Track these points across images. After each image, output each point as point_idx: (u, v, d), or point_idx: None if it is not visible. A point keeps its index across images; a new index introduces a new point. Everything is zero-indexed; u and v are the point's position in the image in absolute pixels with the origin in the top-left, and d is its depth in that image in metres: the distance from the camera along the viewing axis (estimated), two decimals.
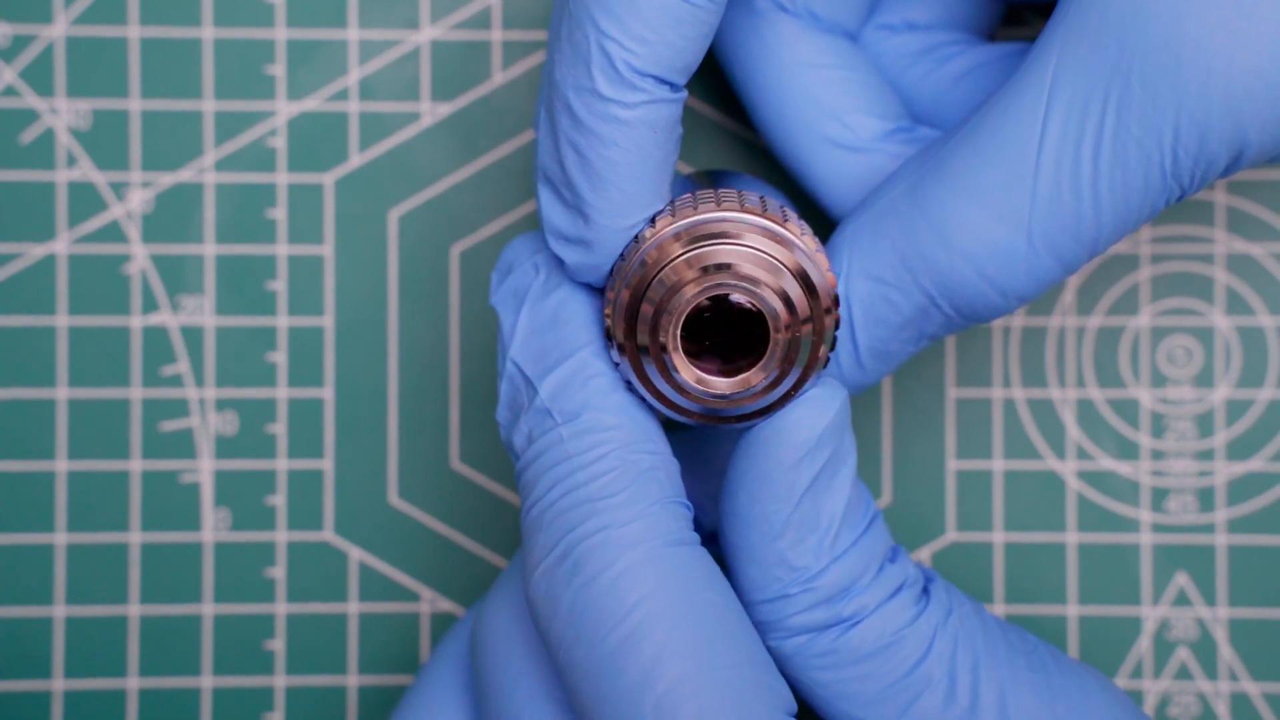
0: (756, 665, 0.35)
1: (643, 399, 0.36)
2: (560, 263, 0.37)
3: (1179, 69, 0.35)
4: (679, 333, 0.36)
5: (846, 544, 0.37)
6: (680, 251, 0.36)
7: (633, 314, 0.36)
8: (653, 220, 0.36)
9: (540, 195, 0.37)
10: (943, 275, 0.36)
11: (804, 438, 0.36)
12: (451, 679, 0.40)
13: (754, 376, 0.36)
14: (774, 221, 0.36)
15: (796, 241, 0.36)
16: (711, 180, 0.39)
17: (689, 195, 0.37)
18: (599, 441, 0.35)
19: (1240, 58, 0.34)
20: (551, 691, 0.37)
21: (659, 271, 0.36)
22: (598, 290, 0.37)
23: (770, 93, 0.40)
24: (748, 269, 0.36)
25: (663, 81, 0.35)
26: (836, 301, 0.36)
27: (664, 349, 0.36)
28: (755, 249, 0.36)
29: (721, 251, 0.36)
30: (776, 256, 0.36)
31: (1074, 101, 0.35)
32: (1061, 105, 0.35)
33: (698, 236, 0.36)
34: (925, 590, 0.38)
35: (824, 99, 0.40)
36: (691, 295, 0.35)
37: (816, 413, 0.36)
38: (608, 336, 0.36)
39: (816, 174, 0.40)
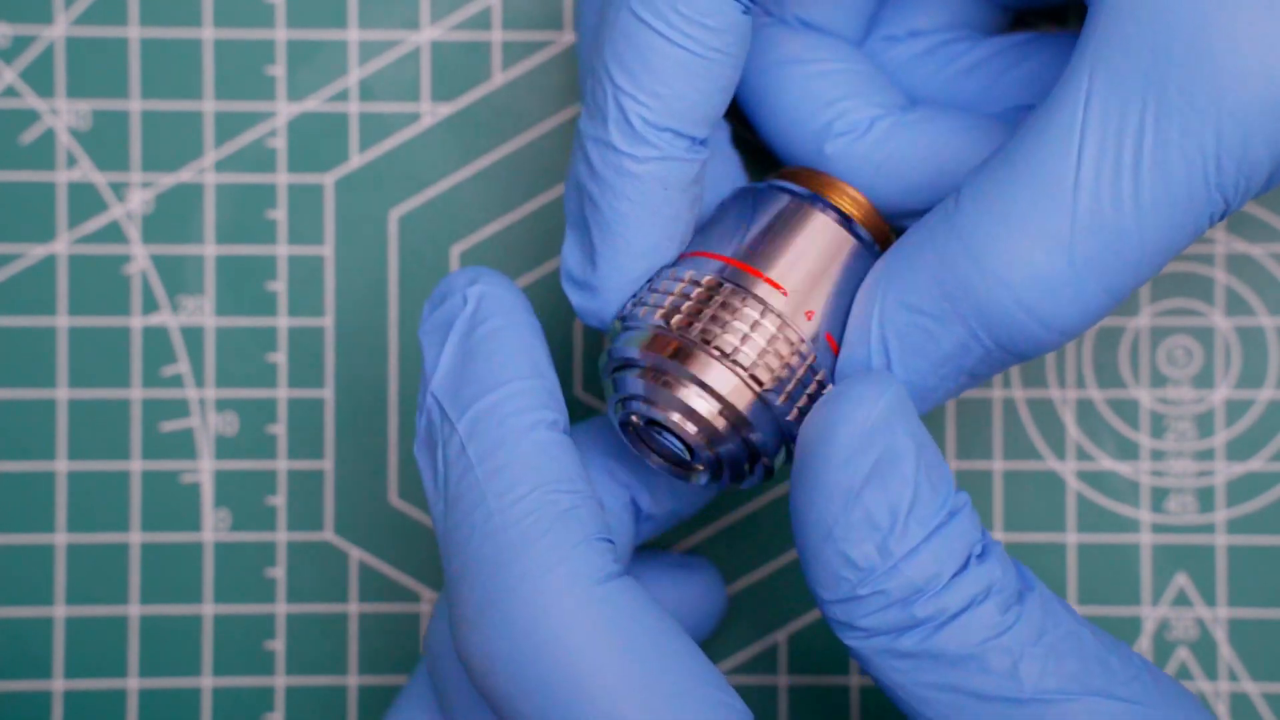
0: (707, 685, 0.34)
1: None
2: (498, 296, 0.37)
3: (1216, 72, 0.33)
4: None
5: (916, 541, 0.34)
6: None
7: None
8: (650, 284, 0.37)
9: (567, 237, 0.37)
10: (982, 305, 0.35)
11: (848, 436, 0.34)
12: (430, 693, 0.40)
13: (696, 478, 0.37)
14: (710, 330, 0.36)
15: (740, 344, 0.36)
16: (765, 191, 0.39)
17: (671, 273, 0.37)
18: (515, 482, 0.35)
19: (1276, 54, 0.33)
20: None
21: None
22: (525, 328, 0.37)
23: (765, 92, 0.40)
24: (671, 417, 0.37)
25: (680, 135, 0.36)
26: (805, 359, 0.36)
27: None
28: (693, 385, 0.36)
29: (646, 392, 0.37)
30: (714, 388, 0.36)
31: (1110, 114, 0.34)
32: (1098, 118, 0.34)
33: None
34: (1020, 598, 0.35)
35: (818, 91, 0.40)
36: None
37: (861, 410, 0.34)
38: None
39: (819, 166, 0.40)
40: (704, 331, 0.36)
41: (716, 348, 0.36)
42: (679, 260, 0.37)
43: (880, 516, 0.34)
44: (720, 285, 0.36)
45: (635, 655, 0.34)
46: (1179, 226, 0.34)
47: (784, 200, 0.38)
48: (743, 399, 0.36)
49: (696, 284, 0.36)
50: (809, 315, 0.37)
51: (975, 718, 0.35)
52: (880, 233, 0.39)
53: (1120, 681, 0.35)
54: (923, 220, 0.36)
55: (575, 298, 0.37)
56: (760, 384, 0.36)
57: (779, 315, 0.36)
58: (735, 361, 0.36)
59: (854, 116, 0.39)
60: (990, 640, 0.34)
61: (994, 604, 0.35)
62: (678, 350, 0.36)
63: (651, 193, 0.36)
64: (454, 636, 0.35)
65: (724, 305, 0.36)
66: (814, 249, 0.37)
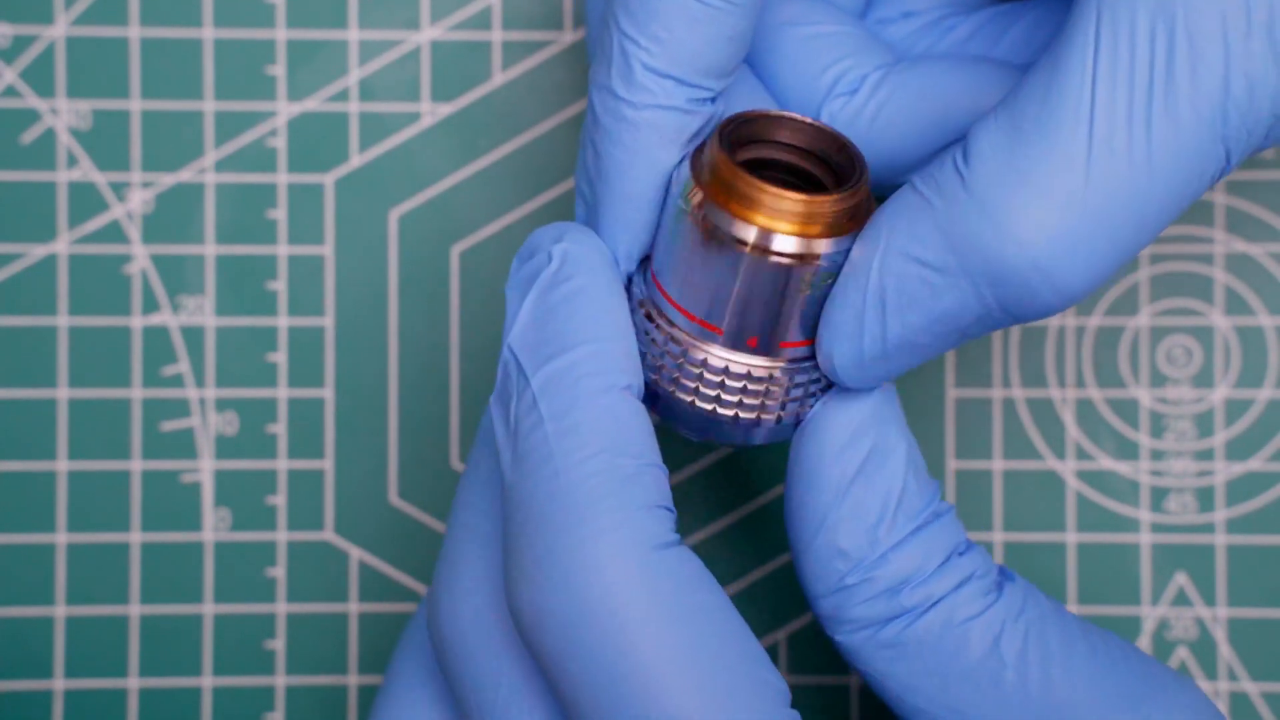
0: (752, 662, 0.34)
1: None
2: (583, 255, 0.37)
3: (1224, 20, 0.33)
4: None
5: (904, 533, 0.36)
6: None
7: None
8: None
9: (576, 201, 0.37)
10: (992, 263, 0.34)
11: (840, 431, 0.36)
12: (418, 673, 0.40)
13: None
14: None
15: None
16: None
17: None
18: (584, 443, 0.35)
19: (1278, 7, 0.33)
20: (532, 685, 0.37)
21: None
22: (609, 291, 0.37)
23: (763, 54, 0.40)
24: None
25: (683, 84, 0.35)
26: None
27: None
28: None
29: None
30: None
31: (1120, 65, 0.34)
32: (1107, 71, 0.34)
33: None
34: (999, 586, 0.37)
35: (817, 53, 0.39)
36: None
37: (852, 405, 0.36)
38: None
39: None
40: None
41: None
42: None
43: (871, 507, 0.36)
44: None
45: (685, 623, 0.34)
46: (1187, 181, 0.34)
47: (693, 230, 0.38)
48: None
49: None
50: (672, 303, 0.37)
51: (960, 699, 0.36)
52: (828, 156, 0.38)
53: (1103, 655, 0.36)
54: (926, 172, 0.36)
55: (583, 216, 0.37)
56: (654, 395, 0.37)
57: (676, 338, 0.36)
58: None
59: (852, 76, 0.39)
60: (971, 620, 0.36)
61: (975, 588, 0.36)
62: None
63: (647, 140, 0.35)
64: (507, 590, 0.35)
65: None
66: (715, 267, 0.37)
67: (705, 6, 0.35)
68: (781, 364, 0.36)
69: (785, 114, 0.37)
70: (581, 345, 0.36)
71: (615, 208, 0.36)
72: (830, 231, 0.35)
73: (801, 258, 0.35)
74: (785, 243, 0.35)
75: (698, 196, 0.35)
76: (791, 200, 0.35)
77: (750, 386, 0.36)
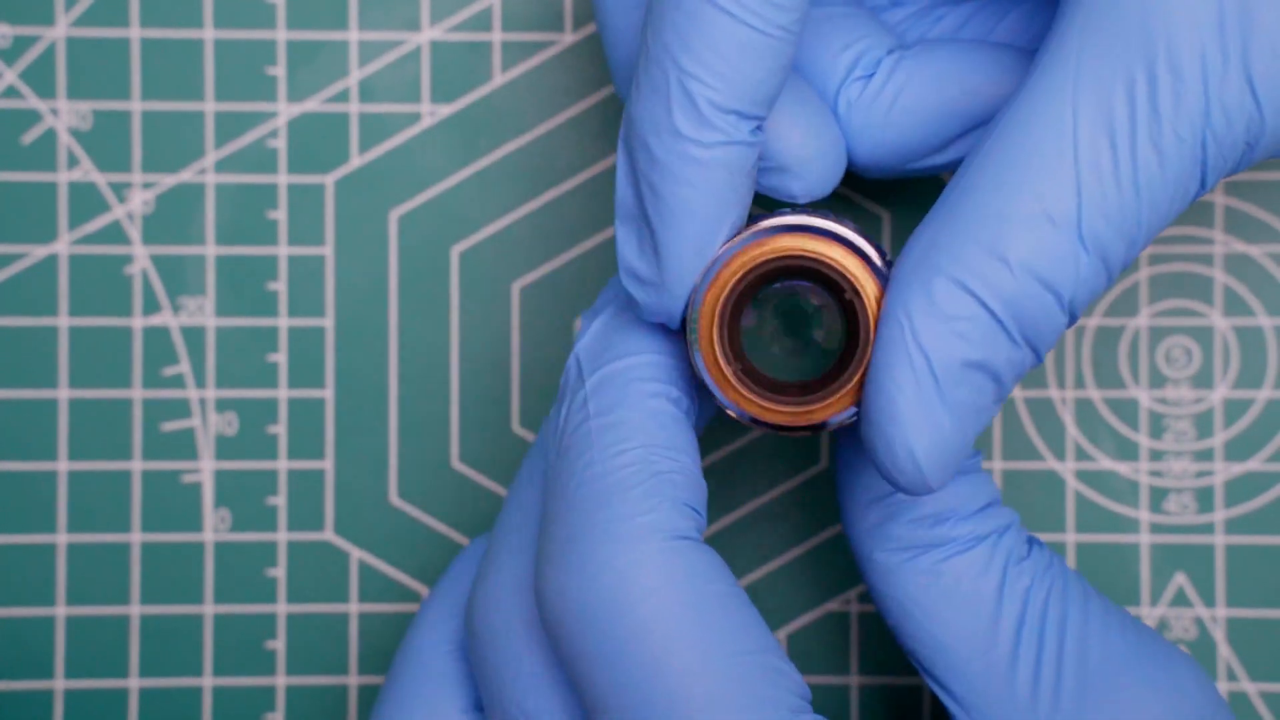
0: (767, 652, 0.35)
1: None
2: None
3: (1204, 50, 0.34)
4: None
5: (955, 470, 0.36)
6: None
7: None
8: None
9: (618, 232, 0.37)
10: (1006, 291, 0.34)
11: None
12: (420, 675, 0.40)
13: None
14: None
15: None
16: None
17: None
18: (623, 438, 0.36)
19: (1254, 36, 0.34)
20: (551, 674, 0.37)
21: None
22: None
23: None
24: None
25: (744, 118, 0.35)
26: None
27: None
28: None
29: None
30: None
31: (1100, 91, 0.34)
32: (1089, 95, 0.34)
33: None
34: (1029, 542, 0.39)
35: (830, 36, 0.39)
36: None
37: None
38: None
39: (845, 126, 0.39)
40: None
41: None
42: None
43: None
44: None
45: (703, 611, 0.34)
46: (1169, 203, 0.35)
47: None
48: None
49: None
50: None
51: (984, 637, 0.37)
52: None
53: (1115, 615, 0.38)
54: (914, 239, 0.36)
55: (640, 294, 0.36)
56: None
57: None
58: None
59: (868, 59, 0.39)
60: (1007, 568, 0.38)
61: (1011, 538, 0.38)
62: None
63: (717, 178, 0.35)
64: (535, 574, 0.36)
65: None
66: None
67: (765, 37, 0.35)
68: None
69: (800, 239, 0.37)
70: (639, 354, 0.37)
71: (687, 249, 0.36)
72: (833, 411, 0.36)
73: (803, 428, 0.37)
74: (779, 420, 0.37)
75: (694, 343, 0.36)
76: (784, 414, 0.36)
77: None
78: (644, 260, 0.36)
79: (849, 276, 0.36)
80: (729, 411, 0.36)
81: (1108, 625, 0.38)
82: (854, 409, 0.36)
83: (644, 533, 0.35)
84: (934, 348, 0.34)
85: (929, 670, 0.38)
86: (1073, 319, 0.35)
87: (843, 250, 0.36)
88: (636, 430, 0.36)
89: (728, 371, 0.36)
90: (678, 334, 0.37)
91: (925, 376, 0.35)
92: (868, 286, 0.36)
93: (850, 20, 0.39)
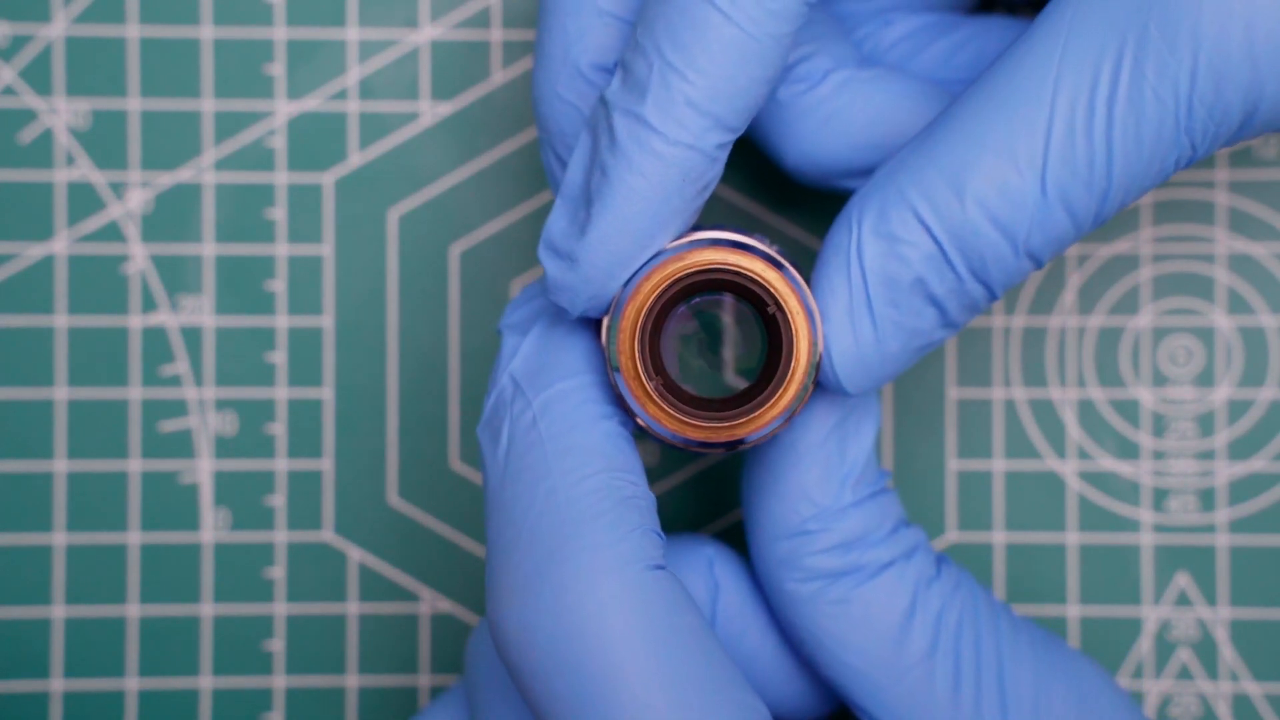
0: (735, 686, 0.35)
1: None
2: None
3: (1199, 13, 0.34)
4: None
5: (865, 494, 0.38)
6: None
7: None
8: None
9: (555, 206, 0.36)
10: (954, 223, 0.35)
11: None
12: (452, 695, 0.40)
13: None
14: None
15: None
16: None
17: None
18: (584, 463, 0.35)
19: (1256, 3, 0.34)
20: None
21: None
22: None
23: None
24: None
25: (717, 126, 0.35)
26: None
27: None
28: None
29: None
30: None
31: (1089, 48, 0.34)
32: (1076, 52, 0.35)
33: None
34: (938, 561, 0.39)
35: None
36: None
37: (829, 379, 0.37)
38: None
39: (779, 120, 0.39)
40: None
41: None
42: None
43: (848, 458, 0.38)
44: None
45: (670, 643, 0.34)
46: (1145, 164, 0.35)
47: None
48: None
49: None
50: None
51: (897, 662, 0.38)
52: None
53: (1024, 632, 0.39)
54: (903, 147, 0.36)
55: (551, 266, 0.36)
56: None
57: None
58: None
59: (810, 65, 0.39)
60: (917, 591, 0.38)
61: (922, 560, 0.38)
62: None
63: (670, 178, 0.35)
64: (491, 605, 0.35)
65: None
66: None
67: (755, 42, 0.34)
68: None
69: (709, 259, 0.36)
70: (583, 375, 0.36)
71: (614, 231, 0.36)
72: (753, 429, 0.36)
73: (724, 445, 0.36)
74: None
75: (613, 357, 0.36)
76: (702, 430, 0.36)
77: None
78: (569, 235, 0.36)
79: (772, 290, 0.36)
80: (647, 426, 0.36)
81: (1017, 641, 0.39)
82: (773, 425, 0.36)
83: (620, 563, 0.34)
84: (872, 260, 0.36)
85: (851, 698, 0.38)
86: (1037, 264, 0.36)
87: (764, 265, 0.36)
88: (595, 454, 0.35)
89: (649, 386, 0.36)
90: None
91: (858, 285, 0.36)
92: (791, 301, 0.36)
93: (811, 25, 0.39)
